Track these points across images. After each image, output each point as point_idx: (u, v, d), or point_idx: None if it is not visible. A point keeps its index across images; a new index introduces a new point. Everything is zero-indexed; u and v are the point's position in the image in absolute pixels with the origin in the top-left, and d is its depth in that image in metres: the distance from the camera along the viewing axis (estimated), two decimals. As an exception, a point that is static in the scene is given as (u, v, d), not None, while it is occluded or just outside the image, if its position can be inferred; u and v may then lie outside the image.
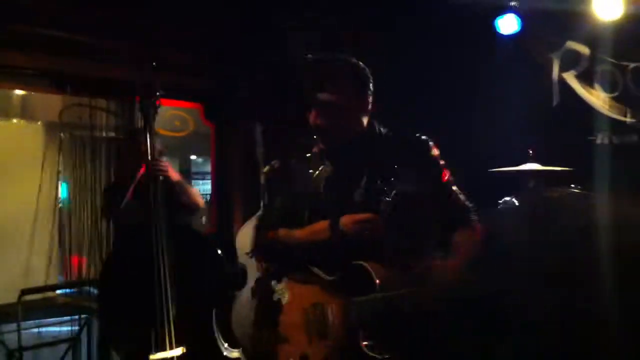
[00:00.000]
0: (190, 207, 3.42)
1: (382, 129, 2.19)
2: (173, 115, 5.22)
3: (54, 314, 4.13)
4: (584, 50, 5.20)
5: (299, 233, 2.11)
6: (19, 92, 4.57)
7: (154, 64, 2.98)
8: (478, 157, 4.50)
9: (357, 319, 1.94)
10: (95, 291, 3.83)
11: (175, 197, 3.23)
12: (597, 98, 5.13)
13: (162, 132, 5.07)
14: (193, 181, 7.34)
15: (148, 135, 2.97)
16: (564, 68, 5.24)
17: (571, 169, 4.28)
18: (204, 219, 3.86)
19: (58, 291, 4.47)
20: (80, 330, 3.84)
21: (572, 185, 4.11)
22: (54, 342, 3.84)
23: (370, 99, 2.15)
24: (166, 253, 2.74)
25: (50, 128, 4.59)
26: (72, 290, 4.51)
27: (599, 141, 4.99)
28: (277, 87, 4.67)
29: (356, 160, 2.10)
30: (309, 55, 2.17)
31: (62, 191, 4.68)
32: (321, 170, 2.13)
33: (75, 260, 4.63)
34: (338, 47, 4.60)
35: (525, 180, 4.44)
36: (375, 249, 1.98)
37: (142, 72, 2.98)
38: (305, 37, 4.81)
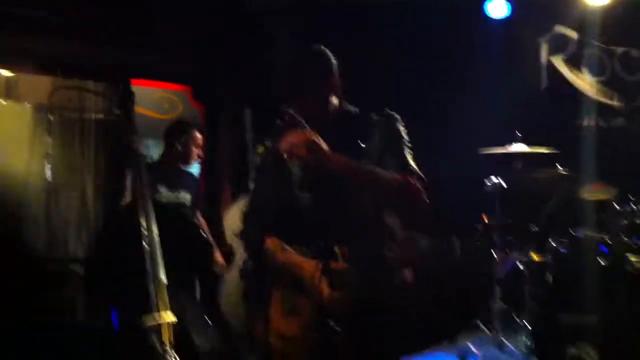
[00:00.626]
0: None
1: (353, 108, 2.24)
2: (162, 98, 5.20)
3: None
4: (573, 34, 5.23)
5: (283, 257, 2.13)
6: (5, 73, 4.54)
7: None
8: (467, 139, 4.54)
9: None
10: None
11: None
12: (585, 82, 5.16)
13: (150, 114, 5.15)
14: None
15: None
16: (552, 52, 5.28)
17: (558, 151, 4.32)
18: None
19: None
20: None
21: (559, 167, 4.16)
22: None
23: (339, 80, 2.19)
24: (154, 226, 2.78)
25: (39, 110, 4.56)
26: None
27: (585, 124, 5.05)
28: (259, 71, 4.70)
29: (336, 139, 2.13)
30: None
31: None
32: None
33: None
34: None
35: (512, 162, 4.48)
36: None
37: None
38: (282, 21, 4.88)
